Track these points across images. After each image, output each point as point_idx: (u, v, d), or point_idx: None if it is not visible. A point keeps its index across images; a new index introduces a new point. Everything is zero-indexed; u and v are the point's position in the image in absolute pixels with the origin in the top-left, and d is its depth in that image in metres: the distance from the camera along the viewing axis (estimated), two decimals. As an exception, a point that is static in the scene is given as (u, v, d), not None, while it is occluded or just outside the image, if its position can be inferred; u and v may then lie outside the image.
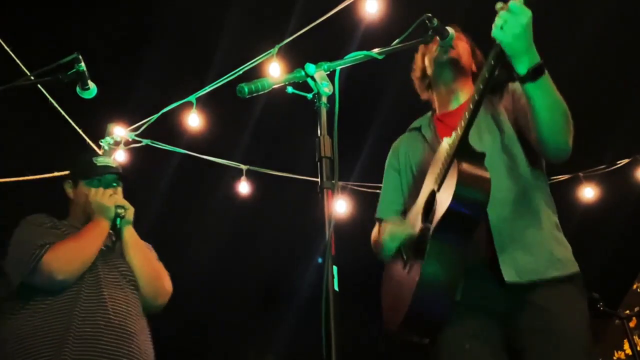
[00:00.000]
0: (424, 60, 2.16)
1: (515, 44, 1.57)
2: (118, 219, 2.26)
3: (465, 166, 1.65)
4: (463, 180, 1.63)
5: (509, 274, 1.71)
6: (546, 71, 1.63)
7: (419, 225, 1.82)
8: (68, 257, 2.06)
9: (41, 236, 2.12)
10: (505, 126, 1.91)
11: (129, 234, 2.30)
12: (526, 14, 1.56)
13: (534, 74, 1.61)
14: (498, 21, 1.59)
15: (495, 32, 1.59)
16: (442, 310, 1.71)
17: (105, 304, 2.07)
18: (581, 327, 1.70)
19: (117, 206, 2.27)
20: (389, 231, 2.00)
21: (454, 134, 1.74)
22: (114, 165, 2.42)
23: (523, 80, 1.64)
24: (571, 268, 1.78)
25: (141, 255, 2.28)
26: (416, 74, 2.23)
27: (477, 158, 1.70)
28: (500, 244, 1.75)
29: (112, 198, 2.26)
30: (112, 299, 2.11)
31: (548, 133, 1.73)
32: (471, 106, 1.66)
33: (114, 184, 2.36)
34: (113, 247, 2.30)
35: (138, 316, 2.19)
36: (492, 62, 1.61)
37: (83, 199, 2.29)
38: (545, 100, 1.66)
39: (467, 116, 1.66)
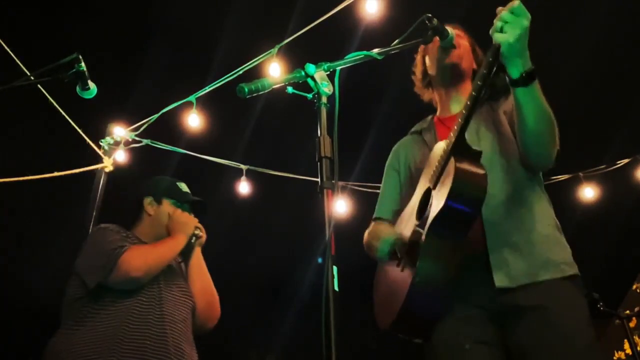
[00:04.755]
0: (425, 61, 2.16)
1: (514, 46, 1.57)
2: (193, 238, 2.41)
3: (462, 163, 1.65)
4: (460, 177, 1.62)
5: (499, 279, 1.70)
6: (537, 79, 1.64)
7: (413, 222, 1.81)
8: (145, 257, 2.17)
9: (119, 240, 2.22)
10: (503, 129, 1.92)
11: (198, 256, 2.43)
12: (527, 16, 1.57)
13: (526, 78, 1.62)
14: (498, 23, 1.59)
15: (495, 34, 1.59)
16: (436, 309, 1.70)
17: (163, 321, 2.14)
18: (581, 322, 1.67)
19: (196, 227, 2.43)
20: (380, 235, 1.98)
21: (451, 133, 1.74)
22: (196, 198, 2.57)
23: (515, 83, 1.64)
24: (567, 271, 1.74)
25: (204, 279, 2.40)
26: (417, 75, 2.23)
27: (474, 155, 1.70)
28: (492, 244, 1.74)
29: (194, 220, 2.44)
30: (171, 316, 2.18)
31: (531, 140, 1.74)
32: (468, 103, 1.66)
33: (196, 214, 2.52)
34: (178, 268, 2.40)
35: (190, 336, 2.27)
36: (491, 59, 1.62)
37: (164, 217, 2.40)
38: (533, 107, 1.67)
39: (464, 112, 1.67)
